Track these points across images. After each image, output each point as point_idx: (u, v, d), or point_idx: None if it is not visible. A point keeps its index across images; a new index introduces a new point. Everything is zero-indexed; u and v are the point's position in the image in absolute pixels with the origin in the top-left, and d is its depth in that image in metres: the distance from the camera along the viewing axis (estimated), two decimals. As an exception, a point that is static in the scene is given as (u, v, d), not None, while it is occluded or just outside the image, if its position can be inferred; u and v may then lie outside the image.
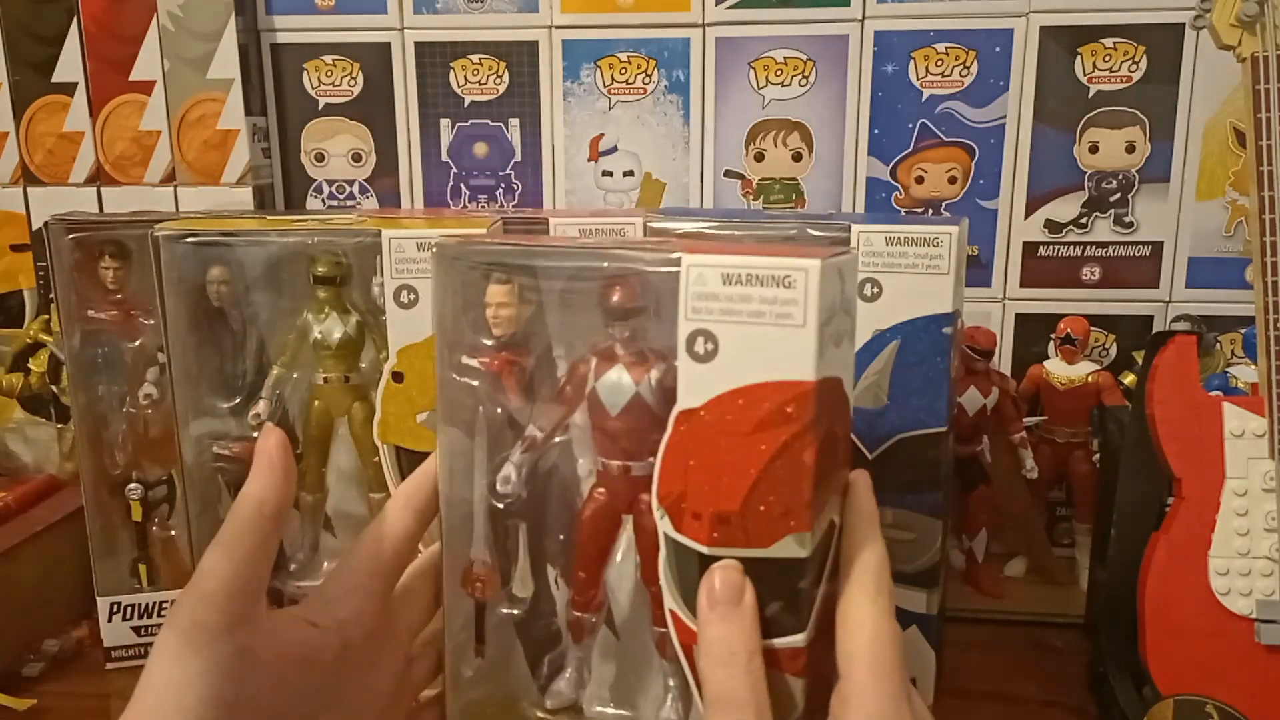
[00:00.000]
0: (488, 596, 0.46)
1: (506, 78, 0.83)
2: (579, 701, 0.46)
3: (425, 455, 0.55)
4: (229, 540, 0.38)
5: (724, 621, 0.36)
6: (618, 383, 0.42)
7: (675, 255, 0.37)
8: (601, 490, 0.44)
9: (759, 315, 0.36)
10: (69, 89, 0.83)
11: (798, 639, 0.37)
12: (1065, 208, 0.79)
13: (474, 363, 0.44)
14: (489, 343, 0.45)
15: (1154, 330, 0.79)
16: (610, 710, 0.47)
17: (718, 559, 0.37)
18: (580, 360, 0.44)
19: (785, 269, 0.35)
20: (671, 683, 0.44)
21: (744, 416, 0.36)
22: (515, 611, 0.47)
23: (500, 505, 0.45)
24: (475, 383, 0.45)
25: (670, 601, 0.39)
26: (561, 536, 0.46)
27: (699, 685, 0.37)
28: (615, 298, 0.42)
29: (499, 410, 0.45)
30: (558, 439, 0.45)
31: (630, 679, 0.47)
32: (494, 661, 0.47)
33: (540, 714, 0.47)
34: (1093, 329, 0.77)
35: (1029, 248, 0.80)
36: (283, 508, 0.40)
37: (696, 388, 0.37)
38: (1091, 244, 0.79)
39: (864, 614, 0.36)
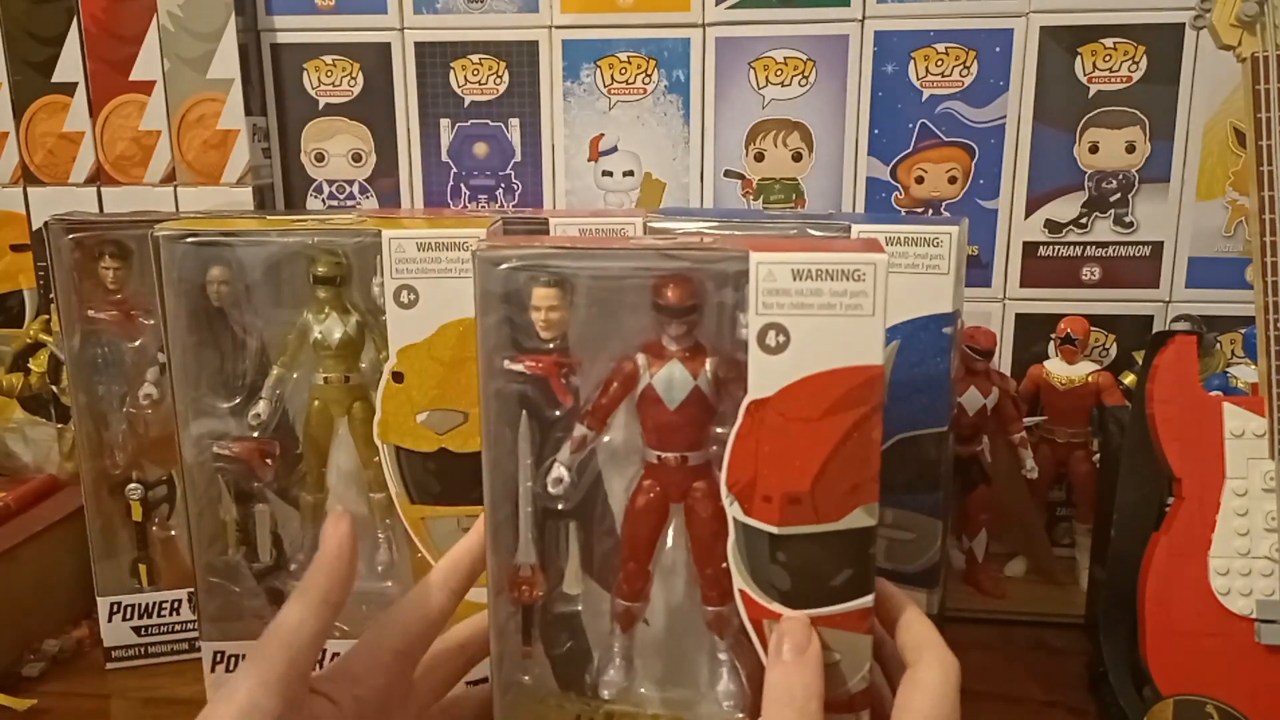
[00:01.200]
0: (534, 599, 0.47)
1: (506, 78, 0.83)
2: (632, 688, 0.48)
3: (424, 454, 0.56)
4: (293, 625, 0.40)
5: (789, 665, 0.39)
6: (676, 378, 0.44)
7: (741, 253, 0.40)
8: (651, 482, 0.45)
9: (830, 307, 0.39)
10: (69, 89, 0.83)
11: (867, 600, 0.41)
12: (1065, 208, 0.79)
13: (519, 366, 0.45)
14: (536, 346, 0.45)
15: (1154, 330, 0.79)
16: (665, 693, 0.48)
17: (788, 538, 0.40)
18: (625, 359, 0.45)
19: (855, 263, 0.38)
20: (723, 657, 0.46)
21: (815, 403, 0.39)
22: (575, 609, 0.49)
23: (557, 506, 0.47)
24: (520, 386, 0.46)
25: (740, 582, 0.42)
26: (607, 532, 0.47)
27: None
28: (672, 296, 0.43)
29: (546, 412, 0.46)
30: (605, 438, 0.47)
31: (678, 661, 0.48)
32: (540, 661, 0.48)
33: (605, 706, 0.48)
34: (1093, 329, 0.77)
35: (1029, 248, 0.80)
36: (345, 599, 0.42)
37: (768, 378, 0.40)
38: (1091, 244, 0.79)
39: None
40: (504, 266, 0.44)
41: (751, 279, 0.39)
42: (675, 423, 0.44)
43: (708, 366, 0.44)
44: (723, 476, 0.41)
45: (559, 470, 0.46)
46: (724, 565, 0.42)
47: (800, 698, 0.39)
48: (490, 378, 0.45)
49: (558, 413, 0.46)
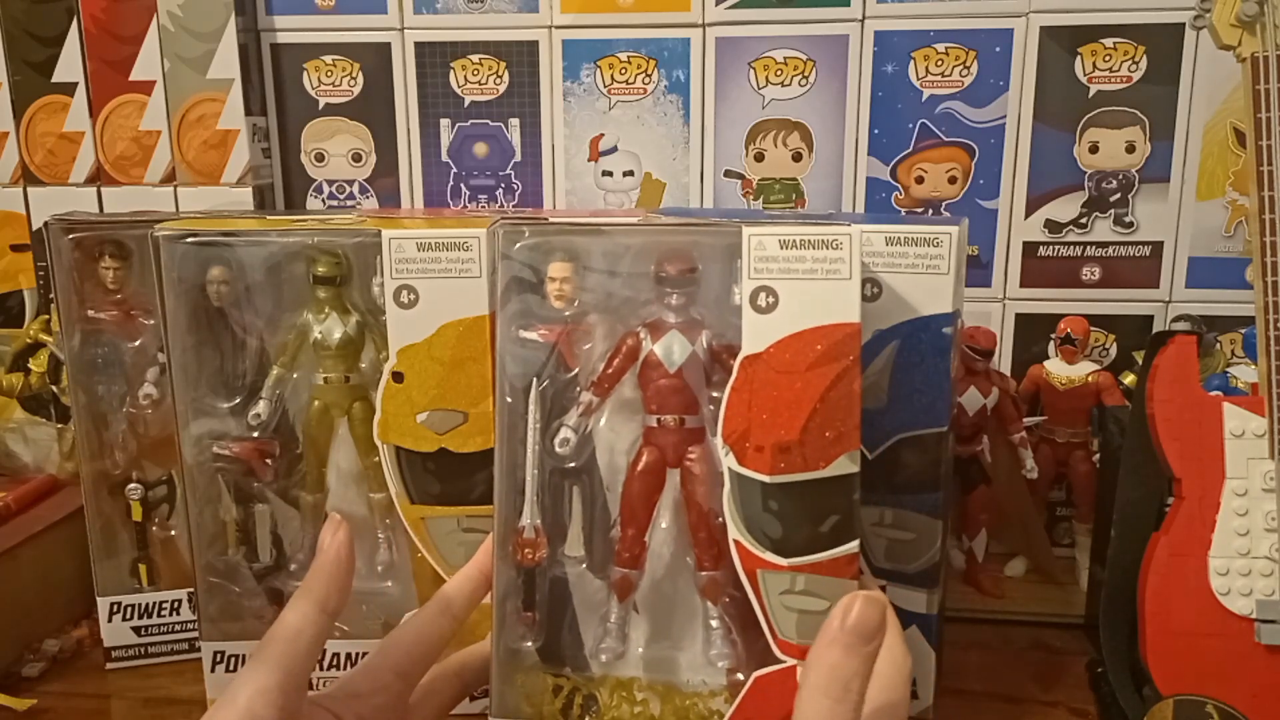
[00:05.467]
0: (537, 561, 0.49)
1: (506, 78, 0.83)
2: (627, 657, 0.50)
3: (424, 455, 0.56)
4: (290, 634, 0.40)
5: (849, 652, 0.35)
6: (675, 344, 0.48)
7: (734, 228, 0.45)
8: (651, 447, 0.49)
9: (812, 271, 0.44)
10: (69, 89, 0.83)
11: (853, 546, 0.44)
12: (1065, 208, 0.79)
13: (533, 335, 0.49)
14: (548, 315, 0.49)
15: (1154, 330, 0.79)
16: (659, 659, 0.50)
17: (779, 486, 0.44)
18: (629, 333, 0.49)
19: (833, 234, 0.44)
20: (714, 624, 0.49)
21: (801, 356, 0.44)
22: (581, 566, 0.51)
23: (563, 466, 0.50)
24: (532, 354, 0.49)
25: (734, 532, 0.45)
26: (606, 496, 0.50)
27: (796, 705, 0.37)
28: (671, 268, 0.48)
29: (554, 378, 0.50)
30: (607, 404, 0.50)
31: (671, 630, 0.51)
32: (540, 628, 0.51)
33: (600, 675, 0.50)
34: (1093, 329, 0.77)
35: (1029, 248, 0.80)
36: (342, 605, 0.42)
37: (759, 335, 0.44)
38: (1091, 244, 0.79)
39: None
40: (523, 243, 0.48)
41: (744, 248, 0.44)
42: (675, 385, 0.48)
43: (703, 336, 0.48)
44: (718, 429, 0.45)
45: (565, 432, 0.49)
46: (719, 521, 0.45)
47: (855, 694, 0.35)
48: (505, 345, 0.49)
49: (564, 379, 0.50)
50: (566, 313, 0.49)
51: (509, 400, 0.49)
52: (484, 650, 0.49)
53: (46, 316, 0.82)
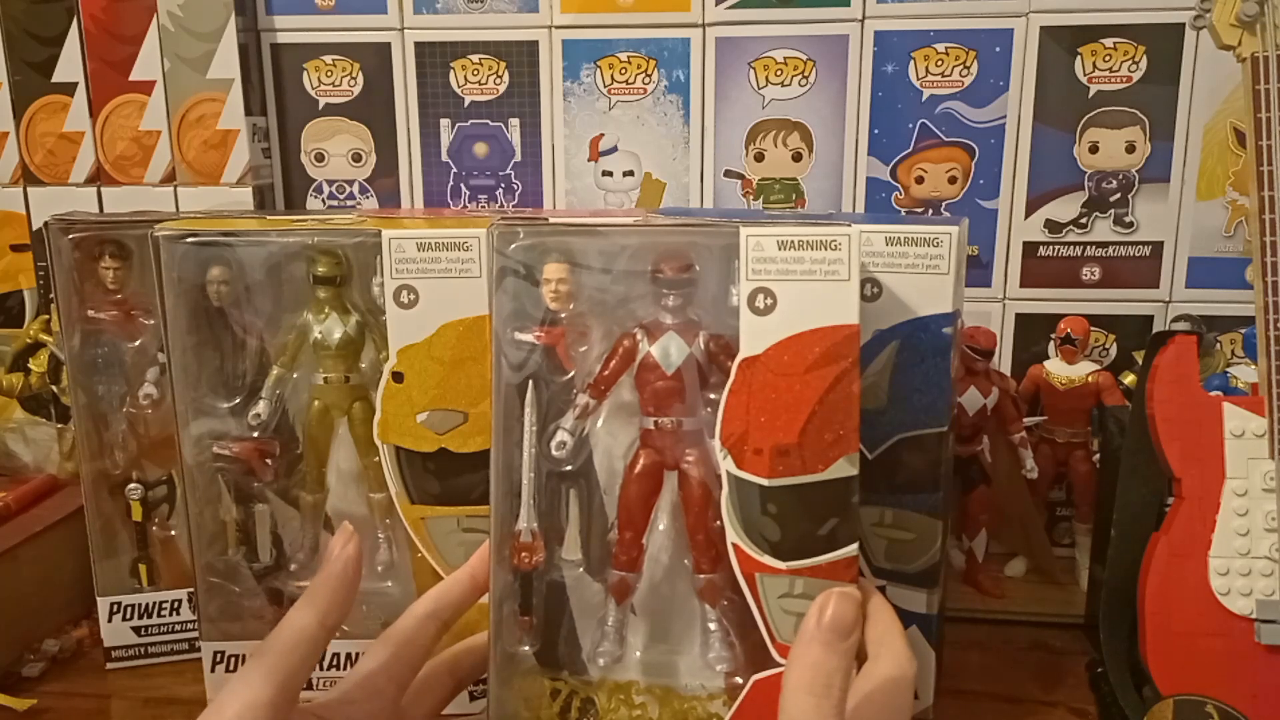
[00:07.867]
0: (534, 565, 0.49)
1: (506, 78, 0.83)
2: (625, 660, 0.50)
3: (424, 455, 0.56)
4: (286, 648, 0.40)
5: (828, 649, 0.37)
6: (673, 346, 0.48)
7: (732, 228, 0.45)
8: (648, 450, 0.49)
9: (811, 273, 0.43)
10: (69, 89, 0.83)
11: (852, 549, 0.44)
12: (1065, 208, 0.79)
13: (528, 337, 0.49)
14: (542, 317, 0.49)
15: (1154, 330, 0.79)
16: (657, 663, 0.50)
17: (777, 489, 0.44)
18: (625, 334, 0.49)
19: (832, 234, 0.43)
20: (713, 627, 0.49)
21: (799, 358, 0.43)
22: (578, 570, 0.51)
23: (560, 469, 0.50)
24: (528, 356, 0.49)
25: (733, 536, 0.45)
26: (604, 498, 0.50)
27: (780, 707, 0.38)
28: (669, 269, 0.48)
29: (550, 381, 0.49)
30: (604, 407, 0.50)
31: (669, 632, 0.51)
32: (538, 632, 0.50)
33: (598, 679, 0.50)
34: (1093, 329, 0.77)
35: (1029, 248, 0.80)
36: (342, 620, 0.42)
37: (757, 337, 0.44)
38: (1091, 244, 0.79)
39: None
40: (519, 245, 0.48)
41: (741, 249, 0.44)
42: (671, 387, 0.48)
43: (700, 337, 0.48)
44: (716, 431, 0.44)
45: (561, 435, 0.49)
46: (717, 524, 0.45)
47: (837, 690, 0.36)
48: (501, 347, 0.48)
49: (560, 381, 0.49)
50: (563, 314, 0.49)
51: (504, 403, 0.48)
52: (475, 644, 0.49)
53: (46, 316, 0.82)
